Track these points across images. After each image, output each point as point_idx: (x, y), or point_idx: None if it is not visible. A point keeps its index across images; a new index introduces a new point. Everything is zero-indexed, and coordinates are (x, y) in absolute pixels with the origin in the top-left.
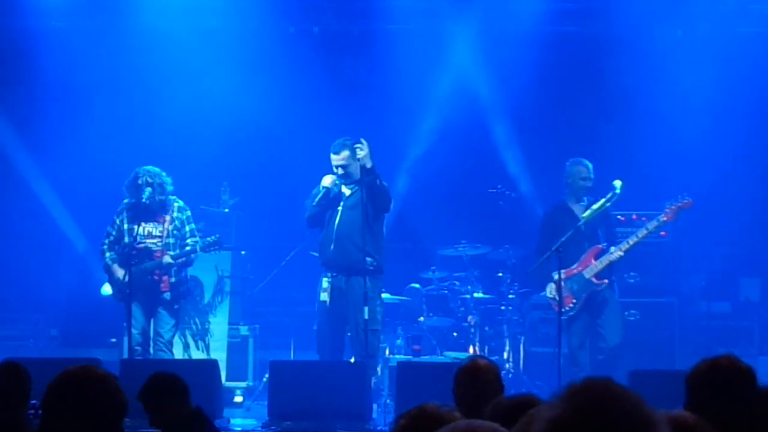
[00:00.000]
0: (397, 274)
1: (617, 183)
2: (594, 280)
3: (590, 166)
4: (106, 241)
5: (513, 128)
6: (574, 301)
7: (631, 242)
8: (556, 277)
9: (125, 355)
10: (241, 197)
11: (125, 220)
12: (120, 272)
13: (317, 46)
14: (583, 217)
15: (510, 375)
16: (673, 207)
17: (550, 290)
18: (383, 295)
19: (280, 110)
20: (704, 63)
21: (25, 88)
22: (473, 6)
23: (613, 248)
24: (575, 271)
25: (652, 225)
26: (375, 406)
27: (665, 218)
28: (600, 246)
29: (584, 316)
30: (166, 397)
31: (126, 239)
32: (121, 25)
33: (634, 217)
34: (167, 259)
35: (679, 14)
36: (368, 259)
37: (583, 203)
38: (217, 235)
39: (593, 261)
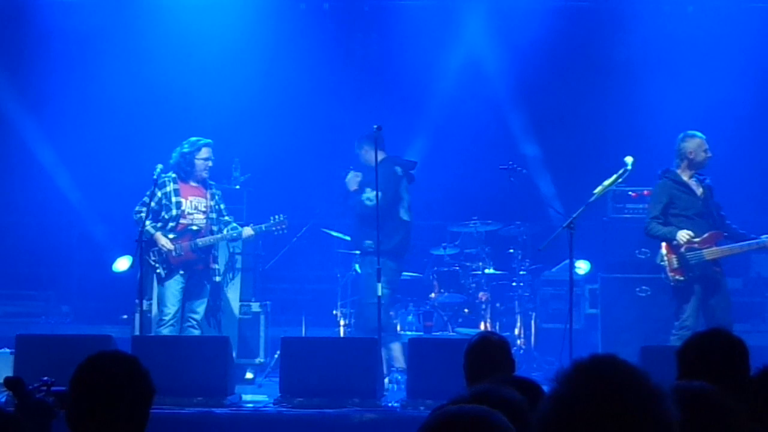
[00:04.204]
0: (409, 250)
1: (629, 159)
2: (713, 266)
3: (704, 136)
4: (144, 209)
5: (523, 104)
6: (683, 278)
7: (743, 248)
8: (685, 237)
9: (137, 332)
10: (252, 174)
11: (173, 193)
12: (164, 241)
13: (328, 22)
14: (595, 193)
15: (521, 351)
16: None
17: (661, 257)
18: None
19: (290, 86)
20: (715, 39)
21: (36, 64)
22: None
23: (734, 246)
24: (695, 245)
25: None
26: (386, 381)
27: None
28: (722, 233)
29: (699, 292)
30: None
31: (174, 212)
32: (132, 2)
33: (645, 192)
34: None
35: None
36: (367, 242)
37: (694, 178)
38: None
39: (714, 245)
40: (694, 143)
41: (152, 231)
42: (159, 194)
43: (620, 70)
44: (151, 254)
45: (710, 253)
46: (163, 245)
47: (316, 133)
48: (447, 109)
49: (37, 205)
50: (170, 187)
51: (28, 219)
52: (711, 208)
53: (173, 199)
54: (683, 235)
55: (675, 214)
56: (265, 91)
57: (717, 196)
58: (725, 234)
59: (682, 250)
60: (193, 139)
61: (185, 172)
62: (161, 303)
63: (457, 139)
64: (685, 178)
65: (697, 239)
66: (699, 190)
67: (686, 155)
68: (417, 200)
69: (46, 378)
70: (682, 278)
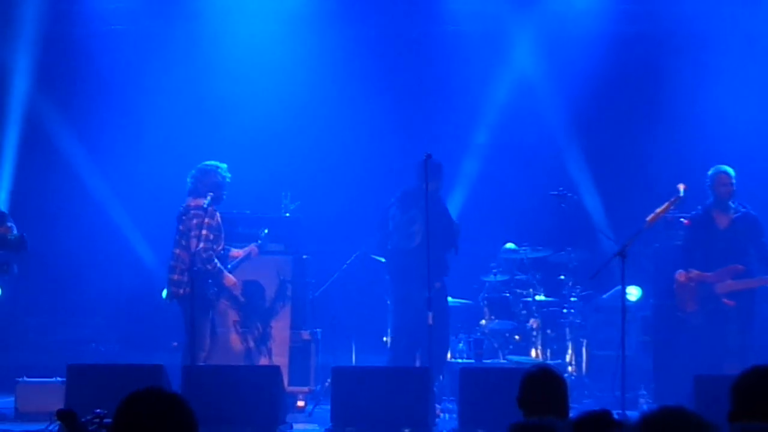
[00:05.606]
0: (458, 276)
1: (681, 187)
2: (724, 300)
3: (731, 172)
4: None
5: (573, 129)
6: (687, 311)
7: (763, 281)
8: (680, 278)
9: (187, 360)
10: (302, 202)
11: (222, 225)
12: (234, 283)
13: (376, 48)
14: (648, 221)
15: (572, 378)
16: None
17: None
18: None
19: (339, 113)
20: (765, 65)
21: (85, 92)
22: (532, 8)
23: (750, 280)
24: (707, 279)
25: None
26: (438, 410)
27: None
28: (741, 267)
29: (711, 324)
30: None
31: (222, 241)
32: (180, 30)
33: None
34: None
35: (741, 16)
36: None
37: (728, 212)
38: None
39: (729, 279)
40: (713, 179)
41: (224, 270)
42: (213, 224)
43: (672, 96)
44: (212, 288)
45: (722, 286)
46: (234, 287)
47: (364, 161)
48: (497, 135)
49: (88, 232)
50: (218, 216)
51: (79, 246)
52: (736, 241)
53: (221, 229)
54: (679, 276)
55: (697, 245)
56: (314, 118)
57: (759, 227)
58: (744, 268)
59: (692, 285)
60: (213, 162)
61: (222, 199)
62: (202, 334)
63: (507, 165)
64: (713, 211)
65: (709, 274)
66: (724, 224)
67: (710, 189)
68: (467, 226)
69: (99, 410)
70: (686, 311)
